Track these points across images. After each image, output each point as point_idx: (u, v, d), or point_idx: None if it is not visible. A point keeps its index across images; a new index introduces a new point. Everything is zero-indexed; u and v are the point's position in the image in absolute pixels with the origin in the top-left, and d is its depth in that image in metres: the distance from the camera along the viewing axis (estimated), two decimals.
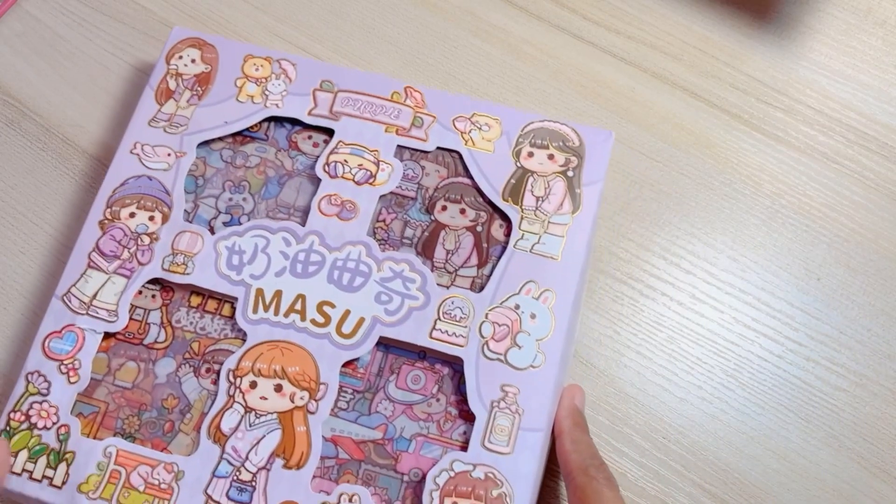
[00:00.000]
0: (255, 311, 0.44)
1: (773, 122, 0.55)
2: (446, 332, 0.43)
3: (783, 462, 0.46)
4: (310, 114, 0.49)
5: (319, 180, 0.47)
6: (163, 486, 0.41)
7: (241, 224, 0.46)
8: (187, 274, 0.45)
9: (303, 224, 0.46)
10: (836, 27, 0.57)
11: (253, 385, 0.43)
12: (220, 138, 0.49)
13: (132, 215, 0.46)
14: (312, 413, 0.42)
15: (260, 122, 0.49)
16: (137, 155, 0.47)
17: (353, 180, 0.47)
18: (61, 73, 0.54)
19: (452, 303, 0.44)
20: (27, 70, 0.54)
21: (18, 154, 0.53)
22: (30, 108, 0.54)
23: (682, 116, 0.55)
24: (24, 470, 0.41)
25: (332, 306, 0.44)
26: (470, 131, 0.49)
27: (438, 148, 0.48)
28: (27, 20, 0.56)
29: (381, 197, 0.47)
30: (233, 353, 0.43)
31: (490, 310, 0.44)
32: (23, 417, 0.42)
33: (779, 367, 0.49)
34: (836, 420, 0.47)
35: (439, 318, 0.44)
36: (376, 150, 0.48)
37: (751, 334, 0.49)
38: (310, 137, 0.49)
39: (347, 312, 0.44)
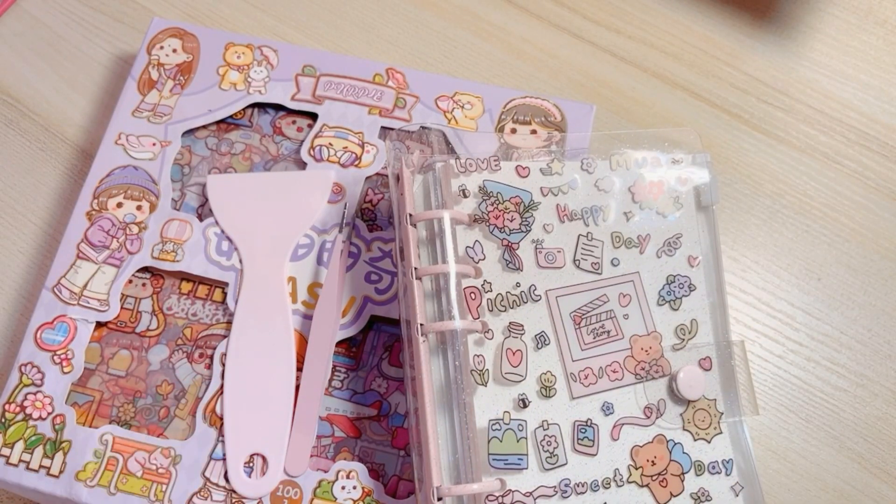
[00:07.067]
0: None
1: (774, 122, 0.54)
2: None
3: (783, 462, 0.46)
4: (293, 99, 0.49)
5: (305, 164, 0.47)
6: (160, 470, 0.41)
7: None
8: (177, 261, 0.45)
9: None
10: (836, 27, 0.57)
11: None
12: (205, 126, 0.49)
13: (119, 205, 0.46)
14: None
15: (244, 109, 0.49)
16: (122, 145, 0.47)
17: (339, 163, 0.47)
18: (58, 70, 0.54)
19: None
20: (26, 69, 0.54)
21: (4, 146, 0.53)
22: (21, 101, 0.54)
23: (682, 116, 0.55)
24: (20, 460, 0.41)
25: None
26: (453, 110, 0.49)
27: (422, 127, 0.48)
28: (26, 20, 0.56)
29: (366, 178, 0.47)
30: (225, 337, 0.44)
31: None
32: (18, 409, 0.42)
33: (779, 367, 0.48)
34: (836, 420, 0.47)
35: None
36: (360, 133, 0.48)
37: (751, 334, 0.49)
38: (294, 122, 0.49)
39: None
